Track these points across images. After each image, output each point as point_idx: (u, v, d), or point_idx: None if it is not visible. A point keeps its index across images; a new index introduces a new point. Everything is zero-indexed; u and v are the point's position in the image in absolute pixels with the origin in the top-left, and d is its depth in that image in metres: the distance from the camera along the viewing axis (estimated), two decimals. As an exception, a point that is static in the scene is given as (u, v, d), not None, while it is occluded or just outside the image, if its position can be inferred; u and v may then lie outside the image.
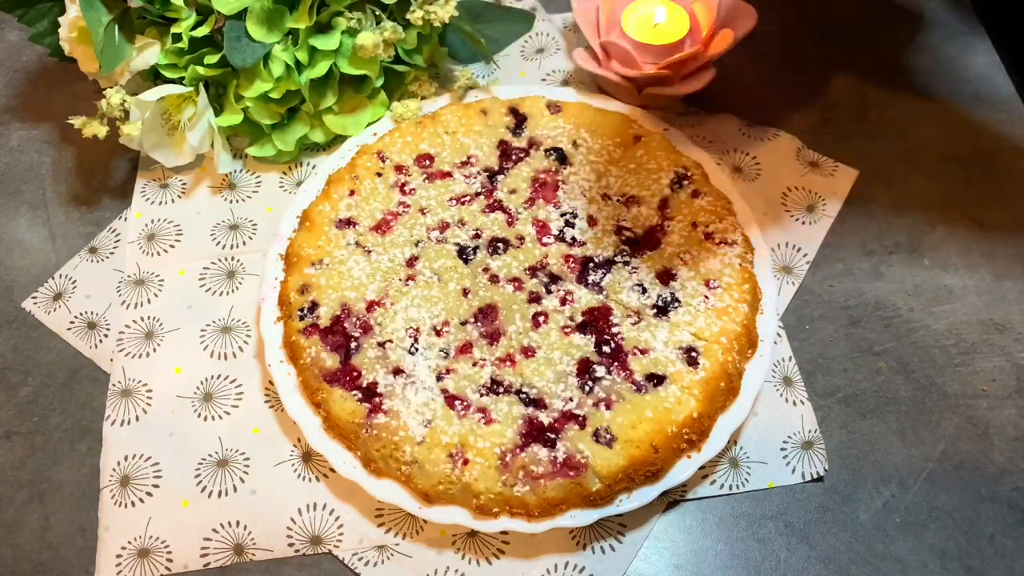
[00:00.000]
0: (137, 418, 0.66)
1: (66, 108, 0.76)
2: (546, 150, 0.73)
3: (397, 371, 0.62)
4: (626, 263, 0.66)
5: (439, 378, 0.61)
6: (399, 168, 0.73)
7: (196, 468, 0.64)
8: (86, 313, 0.72)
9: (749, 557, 0.59)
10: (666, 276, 0.65)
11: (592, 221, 0.69)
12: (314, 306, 0.65)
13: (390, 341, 0.63)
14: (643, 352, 0.61)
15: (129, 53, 0.72)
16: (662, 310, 0.63)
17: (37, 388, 0.69)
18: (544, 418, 0.59)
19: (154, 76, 0.76)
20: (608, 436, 0.57)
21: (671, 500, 0.61)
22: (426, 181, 0.72)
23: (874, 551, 0.59)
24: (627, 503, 0.57)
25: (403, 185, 0.72)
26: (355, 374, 0.62)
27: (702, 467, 0.59)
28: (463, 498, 0.57)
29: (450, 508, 0.58)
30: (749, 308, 0.63)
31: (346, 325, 0.64)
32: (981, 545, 0.59)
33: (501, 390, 0.61)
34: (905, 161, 0.77)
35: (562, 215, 0.69)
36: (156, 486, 0.63)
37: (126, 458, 0.64)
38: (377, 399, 0.60)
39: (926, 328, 0.68)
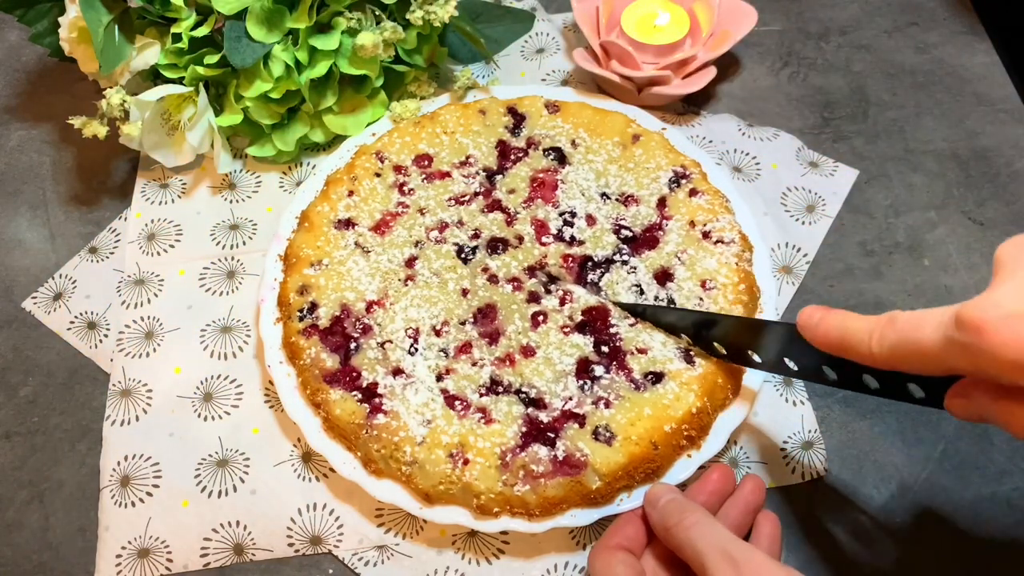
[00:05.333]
0: (137, 418, 0.66)
1: (66, 108, 0.75)
2: (545, 150, 0.73)
3: (397, 371, 0.62)
4: (624, 262, 0.66)
5: (439, 378, 0.61)
6: (398, 168, 0.73)
7: (196, 468, 0.64)
8: (86, 313, 0.72)
9: (749, 557, 0.59)
10: (663, 276, 0.65)
11: (591, 220, 0.69)
12: (313, 307, 0.65)
13: (390, 341, 0.63)
14: (641, 352, 0.61)
15: (129, 53, 0.72)
16: None
17: (37, 388, 0.69)
18: (544, 417, 0.59)
19: (154, 76, 0.76)
20: (607, 434, 0.57)
21: (671, 500, 0.61)
22: (425, 181, 0.72)
23: (874, 551, 0.59)
24: (627, 502, 0.57)
25: (402, 185, 0.72)
26: (355, 375, 0.62)
27: (702, 466, 0.59)
28: (463, 498, 0.57)
29: (450, 508, 0.58)
30: (744, 310, 0.63)
31: (346, 326, 0.64)
32: (981, 545, 0.59)
33: (501, 390, 0.61)
34: (905, 161, 0.77)
35: (560, 214, 0.69)
36: (156, 486, 0.63)
37: (126, 458, 0.64)
38: (377, 399, 0.60)
39: (926, 328, 0.68)
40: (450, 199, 0.71)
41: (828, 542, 0.60)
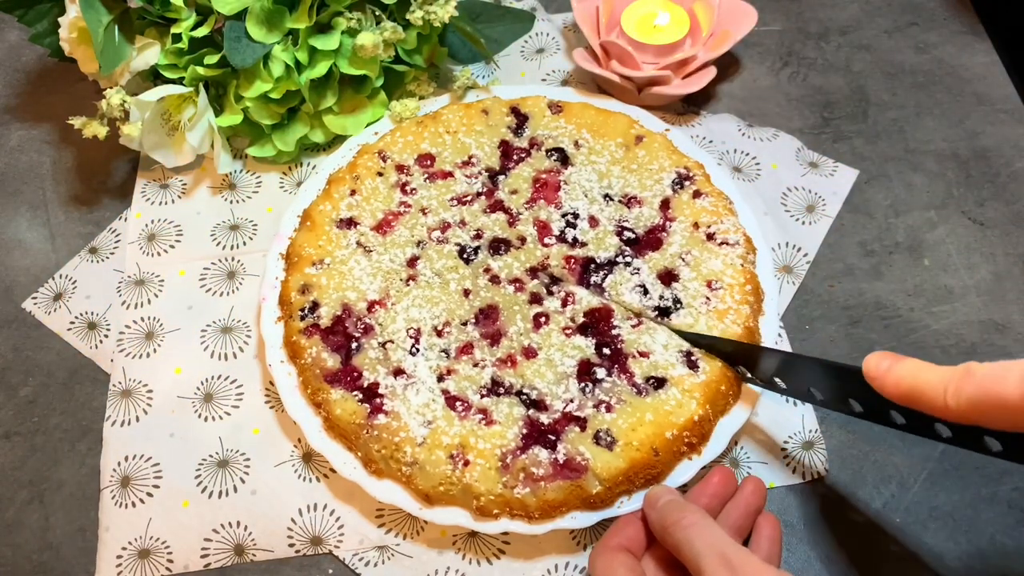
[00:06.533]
0: (137, 419, 0.66)
1: (66, 108, 0.75)
2: (547, 150, 0.73)
3: (398, 372, 0.62)
4: (627, 263, 0.66)
5: (440, 379, 0.61)
6: (400, 168, 0.73)
7: (196, 469, 0.64)
8: (86, 313, 0.72)
9: (749, 557, 0.59)
10: (668, 277, 0.65)
11: (594, 222, 0.69)
12: (315, 306, 0.65)
13: (391, 341, 0.63)
14: (643, 355, 0.61)
15: (129, 53, 0.72)
16: (664, 312, 0.63)
17: (37, 388, 0.69)
18: (545, 419, 0.59)
19: (154, 76, 0.76)
20: (608, 438, 0.57)
21: (671, 500, 0.61)
22: (427, 181, 0.72)
23: (874, 551, 0.59)
24: (627, 505, 0.57)
25: (404, 185, 0.72)
26: (356, 374, 0.62)
27: (704, 467, 0.59)
28: (463, 499, 0.57)
29: (451, 509, 0.58)
30: (751, 309, 0.63)
31: (347, 325, 0.64)
32: (981, 545, 0.59)
33: (502, 391, 0.61)
34: (905, 161, 0.77)
35: (563, 215, 0.69)
36: (156, 487, 0.63)
37: (126, 459, 0.64)
38: (378, 400, 0.60)
39: (926, 328, 0.68)
40: (452, 199, 0.71)
41: (828, 542, 0.60)
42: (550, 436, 0.58)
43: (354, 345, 0.63)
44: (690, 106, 0.81)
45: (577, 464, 0.56)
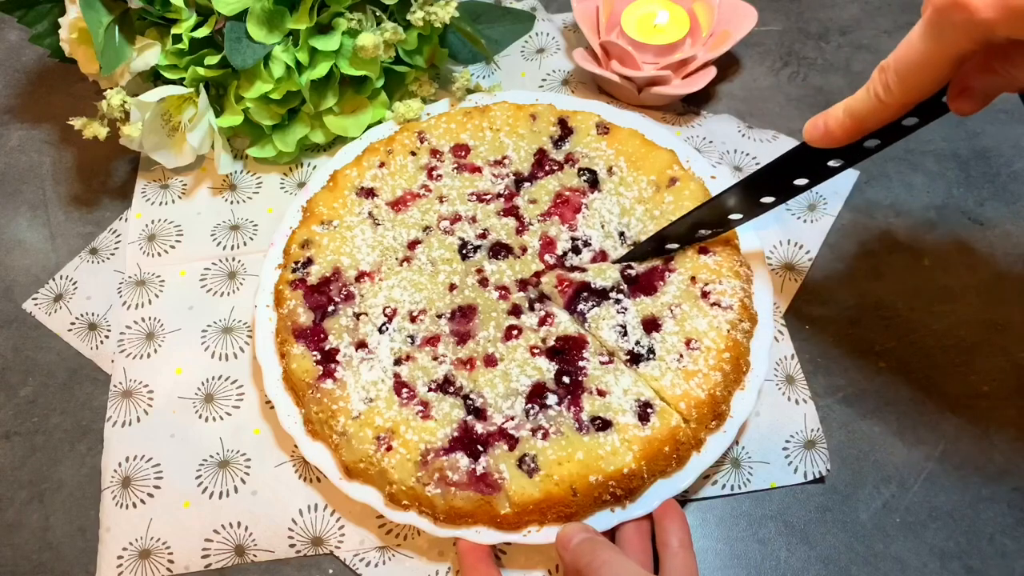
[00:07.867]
0: (138, 419, 0.66)
1: (66, 108, 0.76)
2: (580, 169, 0.71)
3: (361, 344, 0.63)
4: (617, 301, 0.64)
5: (397, 362, 0.62)
6: (434, 152, 0.73)
7: (197, 469, 0.64)
8: (87, 314, 0.72)
9: (749, 557, 0.59)
10: (651, 325, 0.62)
11: (602, 256, 0.67)
12: (308, 262, 0.67)
13: (365, 314, 0.64)
14: (601, 393, 0.59)
15: (129, 54, 0.72)
16: (635, 358, 0.61)
17: (37, 388, 0.69)
18: (480, 429, 0.58)
19: (154, 77, 0.76)
20: (532, 465, 0.56)
21: (672, 500, 0.61)
22: (455, 171, 0.72)
23: (874, 551, 0.59)
24: (535, 536, 0.56)
25: (432, 169, 0.72)
26: (322, 336, 0.63)
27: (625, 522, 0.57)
28: (379, 482, 0.58)
29: (366, 487, 0.59)
30: (723, 378, 0.59)
31: (331, 288, 0.65)
32: (981, 545, 0.59)
33: (451, 390, 0.60)
34: (905, 161, 0.77)
35: (572, 239, 0.67)
36: (157, 487, 0.63)
37: (127, 459, 0.64)
38: (332, 365, 0.62)
39: (926, 328, 0.68)
40: (472, 194, 0.71)
41: (828, 542, 0.60)
42: (478, 446, 0.57)
43: (331, 308, 0.65)
44: (690, 106, 0.81)
45: (493, 481, 0.56)
